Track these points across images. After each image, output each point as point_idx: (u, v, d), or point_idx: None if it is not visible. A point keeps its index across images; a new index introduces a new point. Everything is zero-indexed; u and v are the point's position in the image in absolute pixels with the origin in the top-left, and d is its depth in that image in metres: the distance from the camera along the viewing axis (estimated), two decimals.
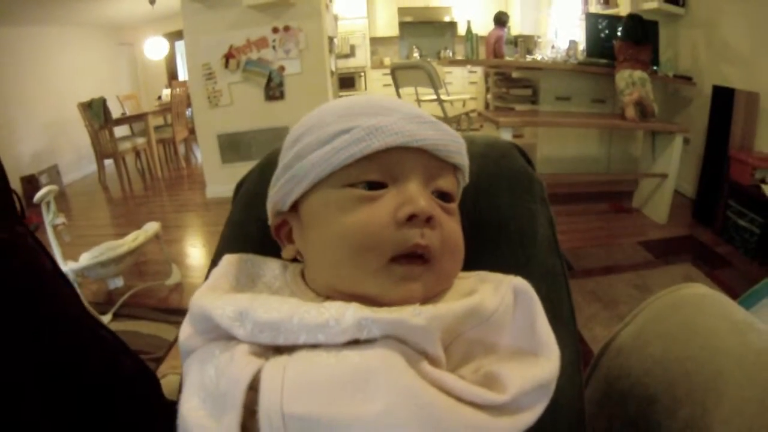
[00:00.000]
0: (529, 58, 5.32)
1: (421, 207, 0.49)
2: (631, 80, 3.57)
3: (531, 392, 0.43)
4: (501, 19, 6.31)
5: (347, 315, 0.43)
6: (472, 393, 0.42)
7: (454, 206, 0.57)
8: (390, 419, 0.38)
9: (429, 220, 0.49)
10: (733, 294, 0.84)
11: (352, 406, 0.39)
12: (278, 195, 0.58)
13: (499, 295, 0.49)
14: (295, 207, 0.57)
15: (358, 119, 0.52)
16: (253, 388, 0.41)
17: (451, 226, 0.54)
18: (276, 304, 0.47)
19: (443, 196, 0.55)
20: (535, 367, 0.45)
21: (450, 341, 0.47)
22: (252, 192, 0.78)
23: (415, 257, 0.49)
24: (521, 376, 0.44)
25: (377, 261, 0.48)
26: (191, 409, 0.44)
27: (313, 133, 0.54)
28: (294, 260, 0.60)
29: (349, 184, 0.52)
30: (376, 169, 0.51)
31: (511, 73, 4.93)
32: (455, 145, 0.55)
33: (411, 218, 0.49)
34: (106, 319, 2.60)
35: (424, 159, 0.53)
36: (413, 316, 0.43)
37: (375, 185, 0.51)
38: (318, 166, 0.52)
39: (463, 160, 0.58)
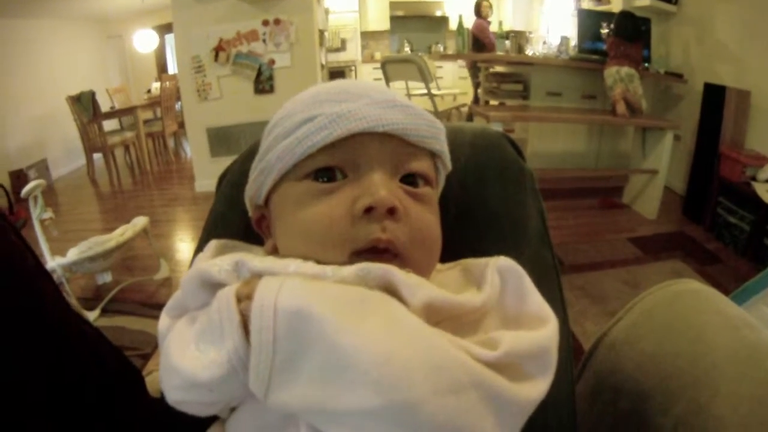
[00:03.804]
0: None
1: (379, 198, 0.46)
2: (618, 76, 3.57)
3: (528, 356, 0.41)
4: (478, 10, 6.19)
5: (345, 267, 0.43)
6: (463, 345, 0.40)
7: (427, 191, 0.53)
8: (382, 336, 0.37)
9: (391, 212, 0.46)
10: (723, 291, 0.83)
11: (345, 317, 0.37)
12: (252, 188, 0.57)
13: (486, 286, 0.47)
14: (268, 200, 0.56)
15: (323, 107, 0.49)
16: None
17: (422, 216, 0.50)
18: (271, 258, 0.47)
19: (415, 180, 0.52)
20: (531, 332, 0.43)
21: (437, 322, 0.44)
22: (234, 183, 0.76)
23: (379, 251, 0.46)
24: (514, 336, 0.42)
25: (338, 257, 0.46)
26: (191, 359, 0.43)
27: (282, 123, 0.52)
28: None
29: (308, 176, 0.50)
30: (338, 158, 0.49)
31: (497, 67, 4.92)
32: (429, 130, 0.52)
33: (369, 210, 0.46)
34: (94, 314, 2.58)
35: (392, 145, 0.50)
36: (405, 274, 0.42)
37: (335, 176, 0.49)
38: (283, 158, 0.50)
39: (441, 146, 0.55)
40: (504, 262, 0.49)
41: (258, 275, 0.44)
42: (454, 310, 0.44)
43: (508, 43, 4.57)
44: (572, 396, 0.66)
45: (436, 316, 0.44)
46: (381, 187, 0.47)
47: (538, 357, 0.42)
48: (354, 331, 0.36)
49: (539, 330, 0.43)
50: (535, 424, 0.43)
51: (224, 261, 0.46)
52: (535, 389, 0.41)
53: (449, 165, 0.59)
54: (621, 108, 3.54)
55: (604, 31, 4.10)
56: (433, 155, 0.56)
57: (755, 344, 0.62)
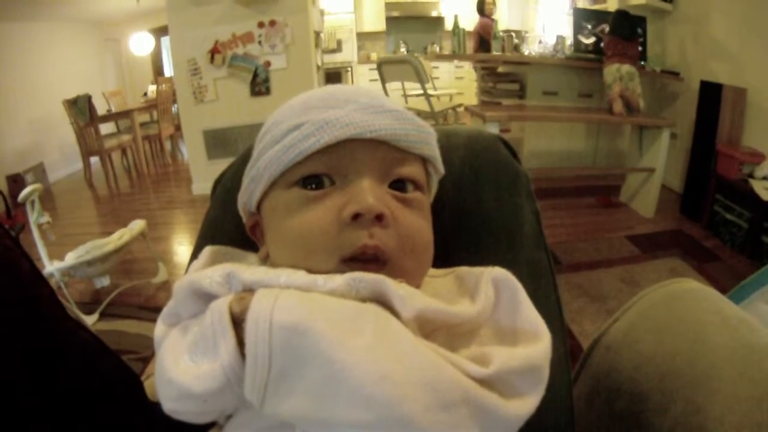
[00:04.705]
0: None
1: (367, 204, 0.45)
2: (618, 75, 3.56)
3: (520, 373, 0.41)
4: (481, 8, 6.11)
5: (336, 276, 0.43)
6: (456, 361, 0.40)
7: (418, 196, 0.53)
8: (376, 353, 0.37)
9: (379, 218, 0.46)
10: (721, 288, 0.83)
11: (339, 332, 0.38)
12: (245, 196, 0.57)
13: (480, 298, 0.47)
14: (260, 207, 0.56)
15: (310, 114, 0.49)
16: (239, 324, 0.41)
17: (412, 222, 0.50)
18: (262, 269, 0.46)
19: (405, 186, 0.52)
20: (524, 348, 0.43)
21: (429, 333, 0.44)
22: (228, 188, 0.77)
23: (368, 260, 0.46)
24: (507, 353, 0.42)
25: (326, 264, 0.46)
26: (185, 370, 0.43)
27: (271, 131, 0.52)
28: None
29: (296, 184, 0.50)
30: (325, 166, 0.49)
31: (497, 67, 4.92)
32: (419, 135, 0.52)
33: (357, 217, 0.46)
34: (92, 318, 2.58)
35: (381, 151, 0.49)
36: (397, 284, 0.43)
37: (323, 183, 0.49)
38: (271, 166, 0.50)
39: (432, 151, 0.55)
40: (499, 273, 0.49)
41: (249, 288, 0.44)
42: (447, 320, 0.45)
43: (502, 34, 4.57)
44: (570, 397, 0.66)
45: (429, 326, 0.44)
46: (368, 193, 0.47)
47: (530, 374, 0.42)
48: (348, 348, 0.37)
49: (532, 346, 0.43)
50: (533, 427, 0.43)
51: (215, 272, 0.46)
52: (526, 405, 0.41)
53: (441, 169, 0.58)
54: (618, 107, 3.54)
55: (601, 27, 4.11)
56: (424, 160, 0.55)
57: (753, 344, 0.62)
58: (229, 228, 0.72)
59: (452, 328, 0.45)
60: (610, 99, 3.59)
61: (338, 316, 0.39)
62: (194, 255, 0.70)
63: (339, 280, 0.42)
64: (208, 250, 0.59)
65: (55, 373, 0.61)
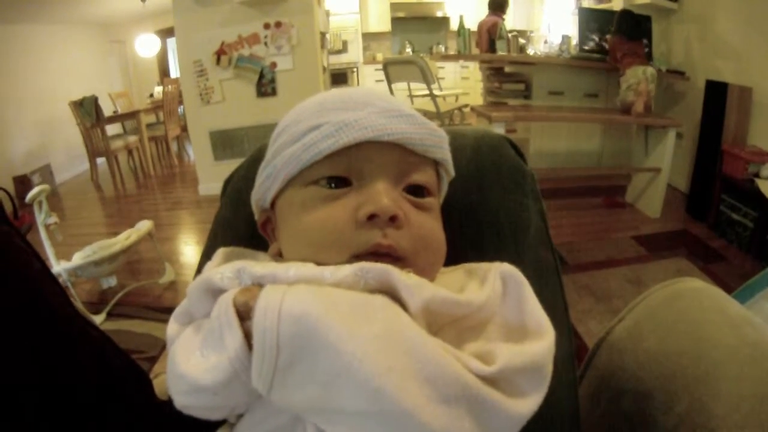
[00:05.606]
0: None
1: (382, 206, 0.47)
2: (644, 76, 3.54)
3: (523, 371, 0.42)
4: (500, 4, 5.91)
5: (343, 267, 0.44)
6: (460, 357, 0.41)
7: (430, 201, 0.54)
8: (383, 345, 0.38)
9: (393, 220, 0.48)
10: (727, 288, 0.83)
11: (348, 324, 0.38)
12: (259, 192, 0.58)
13: (488, 287, 0.47)
14: (273, 204, 0.57)
15: (329, 115, 0.51)
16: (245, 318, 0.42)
17: (424, 224, 0.51)
18: (272, 263, 0.48)
19: (418, 191, 0.53)
20: (528, 346, 0.44)
21: (438, 329, 0.45)
22: (239, 189, 0.77)
23: (381, 256, 0.47)
24: (511, 350, 0.42)
25: (338, 259, 0.47)
26: (195, 365, 0.44)
27: (288, 130, 0.54)
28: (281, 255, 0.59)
29: (314, 182, 0.51)
30: (343, 166, 0.50)
31: (504, 67, 4.91)
32: (433, 139, 0.53)
33: (372, 217, 0.47)
34: (99, 318, 2.59)
35: (397, 154, 0.51)
36: (404, 274, 0.43)
37: (340, 183, 0.50)
38: (289, 164, 0.51)
39: (444, 154, 0.56)
40: (507, 268, 0.50)
41: (259, 281, 0.45)
42: (455, 310, 0.45)
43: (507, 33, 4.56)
44: (575, 396, 0.66)
45: (437, 320, 0.45)
46: (384, 195, 0.48)
47: (533, 372, 0.43)
48: (356, 339, 0.37)
49: (536, 344, 0.44)
50: (538, 424, 0.43)
51: (226, 268, 0.47)
52: (527, 404, 0.42)
53: (452, 172, 0.60)
54: (640, 106, 3.53)
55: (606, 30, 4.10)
56: (436, 163, 0.57)
57: (757, 342, 0.63)
58: (240, 227, 0.73)
59: (460, 322, 0.46)
60: (632, 99, 3.57)
61: (347, 308, 0.40)
62: (206, 255, 0.71)
63: (346, 271, 0.43)
64: (221, 252, 0.60)
65: (64, 370, 0.62)
